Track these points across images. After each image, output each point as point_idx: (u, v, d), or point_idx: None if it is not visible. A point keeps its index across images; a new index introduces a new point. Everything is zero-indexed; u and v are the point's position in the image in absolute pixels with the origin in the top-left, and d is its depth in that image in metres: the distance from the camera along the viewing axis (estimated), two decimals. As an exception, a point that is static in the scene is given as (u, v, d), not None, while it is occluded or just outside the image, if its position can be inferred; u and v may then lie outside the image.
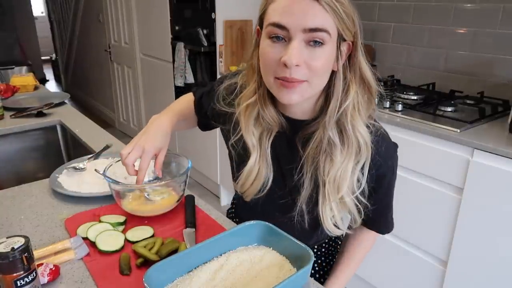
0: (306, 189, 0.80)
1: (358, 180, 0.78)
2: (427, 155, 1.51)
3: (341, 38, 0.69)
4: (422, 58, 2.06)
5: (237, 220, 1.07)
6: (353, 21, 0.69)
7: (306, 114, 0.79)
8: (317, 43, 0.67)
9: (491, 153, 1.33)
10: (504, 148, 1.30)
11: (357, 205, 0.80)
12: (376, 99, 0.78)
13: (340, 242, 1.06)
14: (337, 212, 0.79)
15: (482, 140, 1.37)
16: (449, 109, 1.66)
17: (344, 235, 0.96)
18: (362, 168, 0.78)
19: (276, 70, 0.69)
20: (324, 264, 1.04)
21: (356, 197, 0.79)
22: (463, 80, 1.92)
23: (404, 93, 1.87)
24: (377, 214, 0.86)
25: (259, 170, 0.82)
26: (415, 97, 1.83)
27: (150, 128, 0.92)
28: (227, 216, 1.09)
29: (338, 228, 0.81)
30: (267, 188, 0.84)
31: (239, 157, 0.86)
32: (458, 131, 1.44)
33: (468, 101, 1.77)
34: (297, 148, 0.80)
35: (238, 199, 0.98)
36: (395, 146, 0.85)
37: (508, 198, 1.32)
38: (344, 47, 0.71)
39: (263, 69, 0.73)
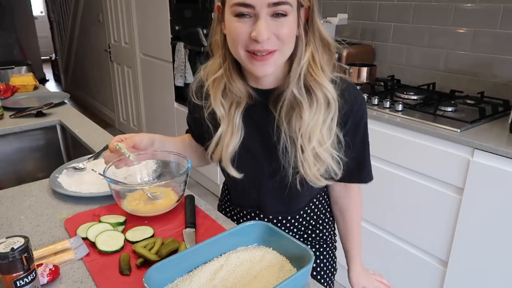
0: (285, 148, 0.84)
1: (334, 133, 0.82)
2: (427, 155, 1.51)
3: (300, 5, 0.74)
4: (422, 58, 2.06)
5: (229, 204, 1.07)
6: None
7: (273, 83, 0.84)
8: (282, 15, 0.72)
9: (491, 153, 1.33)
10: (504, 148, 1.30)
11: (334, 157, 0.83)
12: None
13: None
14: (315, 164, 0.82)
15: (482, 140, 1.36)
16: (449, 109, 1.66)
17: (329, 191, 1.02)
18: (333, 120, 0.82)
19: (247, 44, 0.74)
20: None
21: (334, 148, 0.82)
22: (463, 80, 1.91)
23: (404, 93, 1.87)
24: (357, 163, 0.90)
25: (227, 139, 0.85)
26: (415, 97, 1.83)
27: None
28: (218, 210, 1.11)
29: (321, 180, 0.84)
30: (238, 157, 0.88)
31: (214, 128, 0.89)
32: (458, 131, 1.44)
33: (468, 101, 1.77)
34: (271, 112, 0.84)
35: (228, 181, 1.00)
36: (360, 91, 0.91)
37: (508, 198, 1.32)
38: (303, 12, 0.76)
39: (232, 45, 0.77)
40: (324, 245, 1.04)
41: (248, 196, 0.97)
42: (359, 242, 1.04)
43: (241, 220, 1.02)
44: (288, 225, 0.98)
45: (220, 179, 2.73)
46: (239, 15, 0.73)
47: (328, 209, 1.05)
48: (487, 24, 1.78)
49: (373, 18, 2.23)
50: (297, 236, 1.01)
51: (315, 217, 1.01)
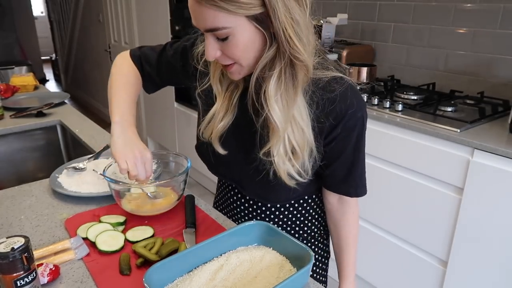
0: (263, 139, 0.81)
1: (314, 130, 0.79)
2: (427, 155, 1.51)
3: (250, 18, 0.66)
4: (422, 58, 2.06)
5: (223, 195, 1.07)
6: None
7: None
8: (224, 38, 0.69)
9: (491, 153, 1.33)
10: (504, 148, 1.30)
11: (305, 164, 0.80)
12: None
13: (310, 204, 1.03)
14: (286, 163, 0.79)
15: (482, 140, 1.37)
16: (449, 109, 1.66)
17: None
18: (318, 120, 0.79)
19: None
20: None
21: (309, 154, 0.80)
22: (463, 80, 1.92)
23: (404, 93, 1.87)
24: (345, 174, 0.87)
25: (221, 115, 0.85)
26: (415, 97, 1.83)
27: (128, 137, 0.91)
28: (213, 206, 1.10)
29: (289, 179, 0.81)
30: (225, 135, 0.87)
31: (206, 105, 0.89)
32: (458, 131, 1.44)
33: (468, 101, 1.77)
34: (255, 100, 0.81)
35: (211, 159, 0.97)
36: (364, 101, 0.85)
37: (508, 198, 1.32)
38: (261, 17, 0.67)
39: None
40: (309, 237, 1.02)
41: (230, 171, 0.96)
42: (353, 263, 0.99)
43: (224, 193, 1.03)
44: (268, 213, 0.97)
45: (220, 179, 2.73)
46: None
47: (322, 218, 1.03)
48: (487, 24, 1.78)
49: (373, 18, 2.23)
50: (280, 229, 0.98)
51: (302, 218, 0.99)
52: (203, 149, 0.94)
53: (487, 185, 1.36)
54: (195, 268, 0.73)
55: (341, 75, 0.80)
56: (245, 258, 0.75)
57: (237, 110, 0.86)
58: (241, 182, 0.95)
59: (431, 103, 1.72)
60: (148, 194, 0.96)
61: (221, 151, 0.89)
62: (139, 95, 1.02)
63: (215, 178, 3.01)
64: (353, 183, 0.89)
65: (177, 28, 2.86)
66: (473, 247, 1.44)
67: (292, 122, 0.76)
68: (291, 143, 0.77)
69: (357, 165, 0.87)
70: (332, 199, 0.95)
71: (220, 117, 0.85)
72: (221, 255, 0.76)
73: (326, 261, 1.07)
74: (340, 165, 0.86)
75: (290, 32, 0.67)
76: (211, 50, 0.71)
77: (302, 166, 0.81)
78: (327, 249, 1.07)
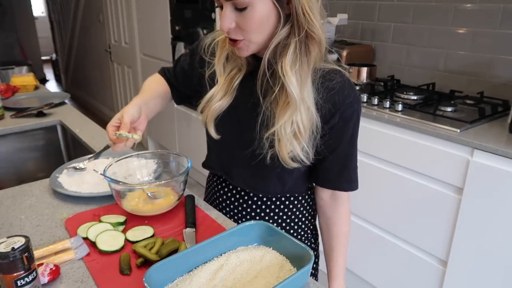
0: (264, 121, 0.83)
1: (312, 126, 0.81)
2: (427, 155, 1.51)
3: None
4: (422, 58, 2.06)
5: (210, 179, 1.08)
6: None
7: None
8: (242, 8, 0.72)
9: (491, 153, 1.33)
10: (504, 148, 1.30)
11: (309, 144, 0.82)
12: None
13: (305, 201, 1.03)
14: (288, 146, 0.80)
15: (482, 140, 1.37)
16: (449, 109, 1.66)
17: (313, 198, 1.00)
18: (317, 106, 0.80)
19: (222, 32, 0.80)
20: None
21: (309, 137, 0.81)
22: (463, 80, 1.92)
23: (404, 93, 1.87)
24: (339, 166, 0.88)
25: (219, 96, 0.87)
26: (415, 97, 1.83)
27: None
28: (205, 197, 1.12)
29: (291, 162, 0.83)
30: (221, 118, 0.89)
31: (210, 87, 0.90)
32: (458, 131, 1.44)
33: (468, 101, 1.77)
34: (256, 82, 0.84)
35: (208, 141, 0.99)
36: (359, 96, 0.89)
37: (508, 198, 1.32)
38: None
39: None
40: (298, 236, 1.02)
41: (219, 159, 0.98)
42: (342, 262, 0.99)
43: (213, 185, 1.05)
44: (254, 206, 0.97)
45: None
46: (218, 6, 0.76)
47: (310, 222, 1.03)
48: (487, 24, 1.78)
49: (373, 18, 2.23)
50: (267, 218, 0.99)
51: (290, 214, 0.98)
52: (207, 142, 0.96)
53: (487, 185, 1.36)
54: (195, 268, 0.73)
55: (340, 68, 0.83)
56: (245, 258, 0.75)
57: (237, 94, 0.88)
58: (231, 171, 0.96)
59: (431, 103, 1.72)
60: (148, 194, 0.96)
61: (214, 135, 0.90)
62: (153, 96, 1.03)
63: (215, 178, 2.96)
64: (347, 177, 0.90)
65: (177, 28, 2.86)
66: (472, 247, 1.44)
67: (301, 100, 0.78)
68: (298, 123, 0.79)
69: (351, 158, 0.89)
70: (324, 195, 0.96)
71: (218, 98, 0.87)
72: (221, 255, 0.76)
73: (315, 265, 1.06)
74: (336, 158, 0.87)
75: (308, 8, 0.71)
76: (227, 20, 0.73)
77: (306, 148, 0.82)
78: (315, 253, 1.07)
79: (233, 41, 0.77)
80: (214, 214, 0.98)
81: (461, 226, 1.45)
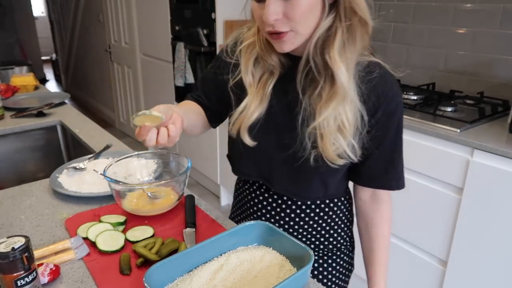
0: (306, 121, 0.80)
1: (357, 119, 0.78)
2: (427, 155, 1.51)
3: None
4: (422, 58, 2.06)
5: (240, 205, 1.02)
6: None
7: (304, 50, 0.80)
8: None
9: (491, 153, 1.33)
10: (504, 148, 1.30)
11: (354, 140, 0.79)
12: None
13: (345, 205, 0.97)
14: (334, 143, 0.77)
15: (482, 140, 1.37)
16: (449, 109, 1.66)
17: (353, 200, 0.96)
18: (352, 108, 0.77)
19: (264, 27, 0.74)
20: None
21: (355, 131, 0.78)
22: (463, 80, 1.92)
23: (404, 93, 1.87)
24: (385, 163, 0.84)
25: (254, 106, 0.83)
26: (415, 97, 1.83)
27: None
28: (230, 217, 1.08)
29: (338, 159, 0.79)
30: (257, 126, 0.85)
31: (237, 99, 0.87)
32: (458, 131, 1.44)
33: (468, 101, 1.77)
34: (295, 82, 0.81)
35: (238, 149, 0.91)
36: (400, 89, 0.85)
37: (508, 198, 1.32)
38: None
39: (258, 26, 0.79)
40: (335, 249, 0.97)
41: (256, 165, 0.91)
42: (384, 267, 0.93)
43: (247, 193, 0.98)
44: (293, 215, 0.92)
45: (220, 179, 2.73)
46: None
47: (348, 228, 0.99)
48: (487, 24, 1.78)
49: (373, 18, 2.23)
50: (302, 230, 0.94)
51: (329, 221, 0.94)
52: (235, 148, 0.91)
53: (487, 185, 1.36)
54: (195, 268, 0.73)
55: (379, 60, 0.81)
56: (245, 258, 0.75)
57: (272, 98, 0.84)
58: (271, 177, 0.90)
59: (431, 103, 1.72)
60: (148, 194, 0.96)
61: (250, 142, 0.85)
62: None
63: (215, 179, 3.00)
64: (395, 174, 0.86)
65: (177, 28, 2.86)
66: (472, 247, 1.44)
67: (348, 90, 0.75)
68: (342, 115, 0.76)
69: (398, 153, 0.85)
70: (365, 196, 0.92)
71: (253, 109, 0.83)
72: (221, 255, 0.76)
73: (349, 273, 1.03)
74: (382, 154, 0.83)
75: (356, 3, 0.73)
76: (273, 10, 0.70)
77: (352, 143, 0.79)
78: (351, 261, 1.03)
79: (277, 34, 0.73)
80: (214, 214, 0.98)
81: (461, 226, 1.45)
